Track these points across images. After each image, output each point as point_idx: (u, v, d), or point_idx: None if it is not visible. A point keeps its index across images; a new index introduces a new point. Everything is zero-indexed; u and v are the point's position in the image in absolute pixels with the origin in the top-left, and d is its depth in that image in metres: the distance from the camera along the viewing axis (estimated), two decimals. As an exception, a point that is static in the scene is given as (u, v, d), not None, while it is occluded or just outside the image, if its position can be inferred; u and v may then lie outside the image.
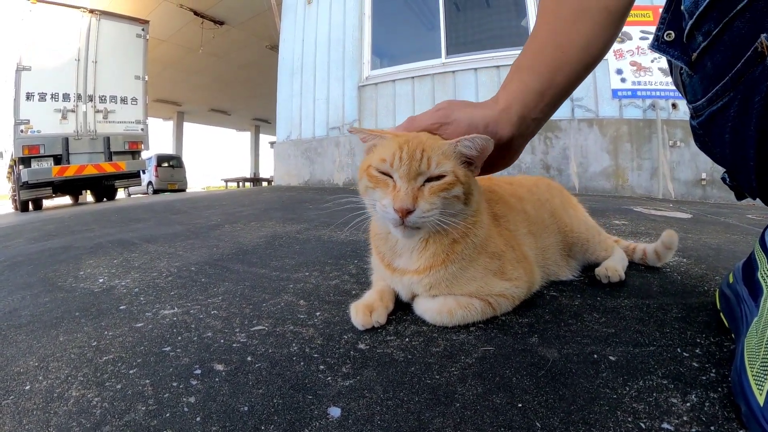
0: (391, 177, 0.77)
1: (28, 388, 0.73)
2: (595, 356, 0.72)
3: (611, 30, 0.82)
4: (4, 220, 5.47)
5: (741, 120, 0.65)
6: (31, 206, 7.73)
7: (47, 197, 8.05)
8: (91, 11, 7.80)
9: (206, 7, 11.04)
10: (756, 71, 0.60)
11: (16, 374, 0.79)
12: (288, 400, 0.63)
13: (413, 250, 0.87)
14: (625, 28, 4.36)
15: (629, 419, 0.55)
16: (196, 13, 11.24)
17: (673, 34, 0.77)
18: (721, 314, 0.84)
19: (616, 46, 4.36)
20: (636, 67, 4.32)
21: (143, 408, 0.64)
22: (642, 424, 0.54)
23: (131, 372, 0.76)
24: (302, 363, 0.75)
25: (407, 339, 0.82)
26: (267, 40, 12.05)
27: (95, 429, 0.59)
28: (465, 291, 0.86)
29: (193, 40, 12.23)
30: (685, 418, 0.54)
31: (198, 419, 0.60)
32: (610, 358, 0.71)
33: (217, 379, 0.71)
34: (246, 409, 0.62)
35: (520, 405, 0.59)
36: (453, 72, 5.14)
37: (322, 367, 0.73)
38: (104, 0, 9.98)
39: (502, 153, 0.86)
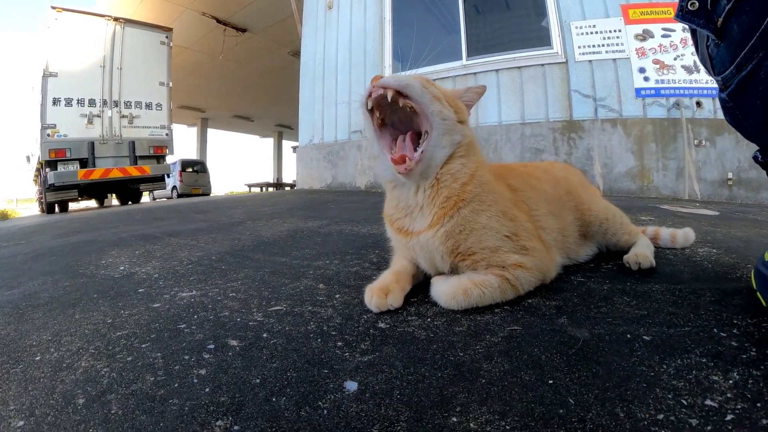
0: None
1: (38, 358, 0.74)
2: (629, 336, 0.68)
3: None
4: (31, 221, 5.64)
5: None
6: (57, 208, 7.90)
7: (73, 200, 8.19)
8: (116, 19, 7.96)
9: (228, 14, 11.21)
10: None
11: (28, 346, 0.80)
12: (303, 374, 0.61)
13: (425, 204, 0.88)
14: (647, 26, 4.27)
15: (669, 396, 0.52)
16: (218, 21, 11.42)
17: (696, 3, 0.74)
18: (758, 294, 0.80)
19: (638, 44, 4.27)
20: (659, 66, 4.20)
21: (152, 378, 0.63)
22: (684, 401, 0.51)
23: (144, 346, 0.76)
24: (319, 340, 0.73)
25: (429, 319, 0.80)
26: (289, 46, 12.19)
27: (100, 397, 0.59)
28: (482, 244, 0.84)
29: (216, 47, 12.42)
30: (729, 395, 0.52)
31: (207, 390, 0.59)
32: (645, 337, 0.68)
33: (230, 354, 0.70)
34: (258, 381, 0.60)
35: (551, 381, 0.56)
36: (474, 74, 5.09)
37: (339, 343, 0.71)
38: (129, 8, 10.25)
39: None
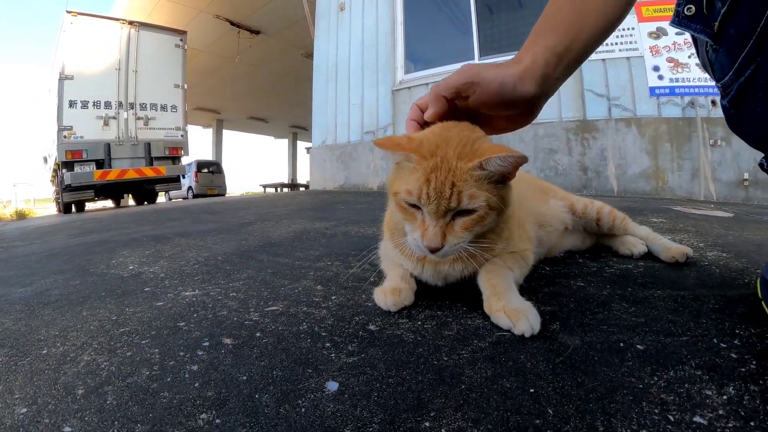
0: (419, 208, 0.75)
1: (44, 352, 0.78)
2: (621, 345, 0.66)
3: None
4: (48, 220, 5.77)
5: None
6: (73, 208, 8.08)
7: (89, 200, 8.39)
8: (131, 23, 8.10)
9: (242, 17, 11.33)
10: None
11: (36, 341, 0.84)
12: (288, 373, 0.63)
13: None
14: (660, 24, 4.20)
15: (656, 410, 0.49)
16: (232, 24, 11.55)
17: (693, 8, 0.71)
18: (763, 303, 0.77)
19: (651, 42, 4.19)
20: (673, 64, 4.12)
21: (147, 372, 0.66)
22: (671, 417, 0.48)
23: (143, 342, 0.79)
24: (309, 340, 0.74)
25: (420, 322, 0.80)
26: (302, 48, 12.26)
27: (98, 388, 0.62)
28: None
29: (230, 49, 12.56)
30: (720, 412, 0.49)
31: (196, 385, 0.61)
32: (638, 347, 0.65)
33: (222, 351, 0.72)
34: (245, 378, 0.62)
35: (532, 390, 0.55)
36: (486, 74, 5.07)
37: (328, 344, 0.72)
38: (143, 12, 10.42)
39: (526, 110, 0.82)
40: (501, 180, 0.75)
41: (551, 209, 1.22)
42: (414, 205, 0.75)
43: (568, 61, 0.78)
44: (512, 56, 0.79)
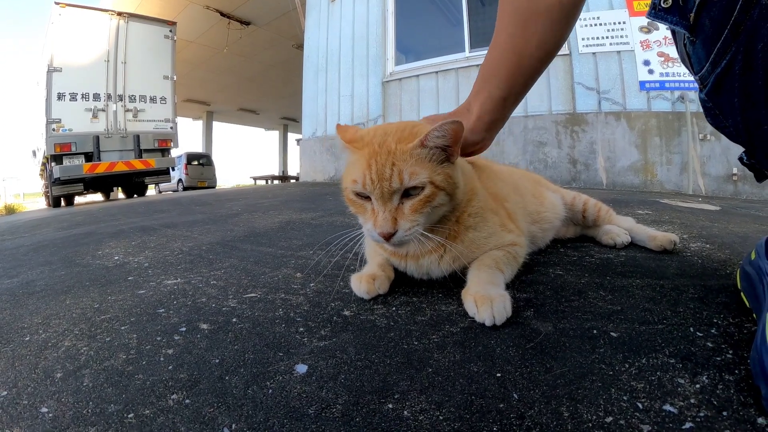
0: (368, 198, 0.76)
1: (27, 339, 0.79)
2: (595, 332, 0.66)
3: (565, 24, 0.85)
4: (37, 214, 5.70)
5: (747, 77, 0.60)
6: (63, 202, 8.01)
7: (79, 193, 8.30)
8: (120, 14, 7.95)
9: (232, 8, 11.17)
10: (754, 14, 0.54)
11: (20, 328, 0.85)
12: (259, 356, 0.64)
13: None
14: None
15: (624, 398, 0.49)
16: (222, 14, 11.37)
17: (669, 0, 0.71)
18: (742, 293, 0.77)
19: (642, 36, 4.21)
20: (664, 58, 4.14)
21: (124, 356, 0.68)
22: (639, 404, 0.48)
23: (123, 328, 0.80)
24: (283, 325, 0.75)
25: (394, 308, 0.81)
26: (293, 39, 12.14)
27: (76, 371, 0.64)
28: (485, 249, 0.86)
29: (220, 40, 12.38)
30: (692, 401, 0.48)
31: (170, 367, 0.63)
32: (612, 334, 0.65)
33: (198, 336, 0.73)
34: (217, 361, 0.63)
35: (498, 375, 0.55)
36: (477, 66, 5.03)
37: (301, 329, 0.73)
38: (132, 3, 10.25)
39: (476, 149, 0.98)
40: (446, 159, 0.76)
41: (548, 203, 1.21)
42: (363, 197, 0.77)
43: (513, 99, 0.92)
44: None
